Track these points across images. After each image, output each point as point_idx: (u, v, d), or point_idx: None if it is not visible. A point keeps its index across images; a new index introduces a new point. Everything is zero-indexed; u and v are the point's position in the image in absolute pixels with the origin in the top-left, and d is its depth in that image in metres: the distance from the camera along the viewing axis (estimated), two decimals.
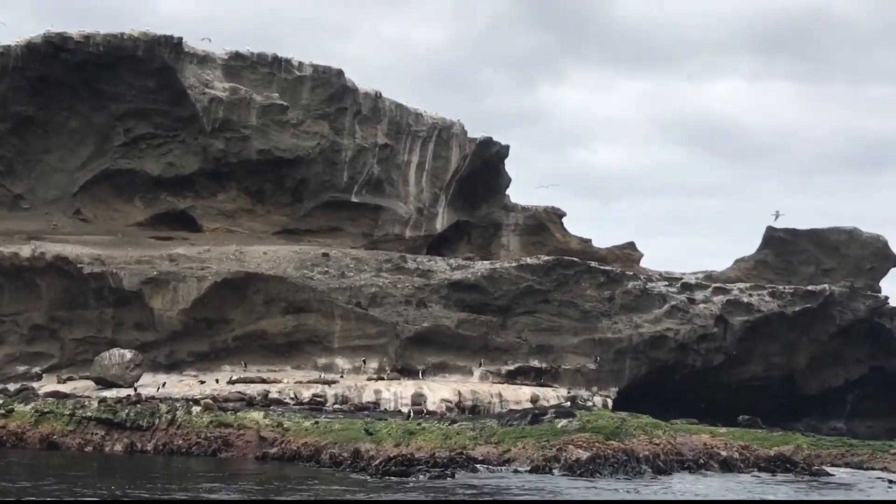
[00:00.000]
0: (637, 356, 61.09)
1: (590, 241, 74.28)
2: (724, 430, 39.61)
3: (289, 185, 67.79)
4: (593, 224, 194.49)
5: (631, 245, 74.64)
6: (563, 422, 37.09)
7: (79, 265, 57.97)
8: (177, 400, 48.69)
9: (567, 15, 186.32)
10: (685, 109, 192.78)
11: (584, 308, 61.67)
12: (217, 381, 54.28)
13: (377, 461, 37.08)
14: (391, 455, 37.06)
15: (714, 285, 66.25)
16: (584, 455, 34.02)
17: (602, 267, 64.71)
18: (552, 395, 55.06)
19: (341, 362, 57.80)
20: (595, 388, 58.76)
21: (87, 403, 47.64)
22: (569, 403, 43.98)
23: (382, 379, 55.38)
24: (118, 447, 44.76)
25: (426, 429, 39.88)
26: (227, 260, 60.04)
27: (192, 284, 57.90)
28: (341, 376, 56.17)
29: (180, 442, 44.44)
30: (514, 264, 62.61)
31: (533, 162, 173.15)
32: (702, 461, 34.92)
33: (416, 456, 36.52)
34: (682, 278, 67.36)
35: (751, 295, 65.42)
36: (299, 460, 40.49)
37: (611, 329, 61.38)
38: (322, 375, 55.76)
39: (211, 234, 65.77)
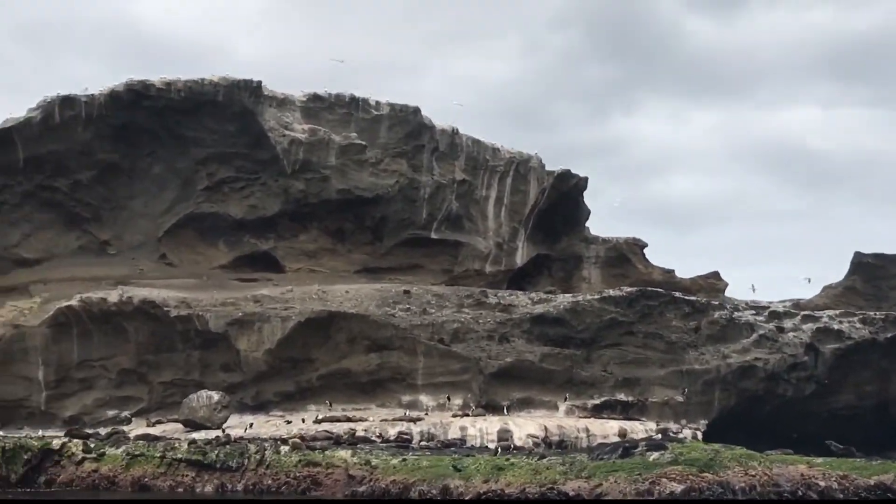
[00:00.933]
0: (726, 387, 60.12)
1: (673, 271, 73.60)
2: (820, 460, 38.50)
3: (368, 224, 68.14)
4: (673, 255, 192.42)
5: (715, 275, 73.66)
6: (655, 454, 36.52)
7: (165, 308, 58.64)
8: (265, 440, 48.90)
9: (638, 45, 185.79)
10: (760, 137, 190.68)
11: (670, 339, 60.94)
12: (303, 420, 54.43)
13: (467, 497, 36.79)
14: (481, 491, 36.75)
15: (803, 313, 65.05)
16: (679, 488, 33.40)
17: (687, 297, 63.94)
18: (640, 429, 54.17)
19: (425, 399, 57.73)
20: (684, 421, 57.71)
21: (176, 445, 48.00)
22: (659, 436, 43.22)
23: (467, 415, 55.09)
24: (209, 488, 45.00)
25: (515, 464, 39.50)
26: (310, 300, 60.35)
27: (276, 325, 58.30)
28: (426, 413, 55.99)
29: (269, 482, 44.58)
30: (596, 296, 62.19)
31: (608, 194, 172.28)
32: (800, 492, 34.03)
33: (506, 492, 36.14)
34: (769, 307, 66.29)
35: (841, 322, 64.10)
36: (388, 498, 40.33)
37: (698, 360, 60.50)
38: (407, 413, 55.69)
39: (294, 274, 66.15)
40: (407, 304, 60.91)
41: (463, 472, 40.03)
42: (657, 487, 33.78)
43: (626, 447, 38.54)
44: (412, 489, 40.30)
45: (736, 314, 63.40)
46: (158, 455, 46.92)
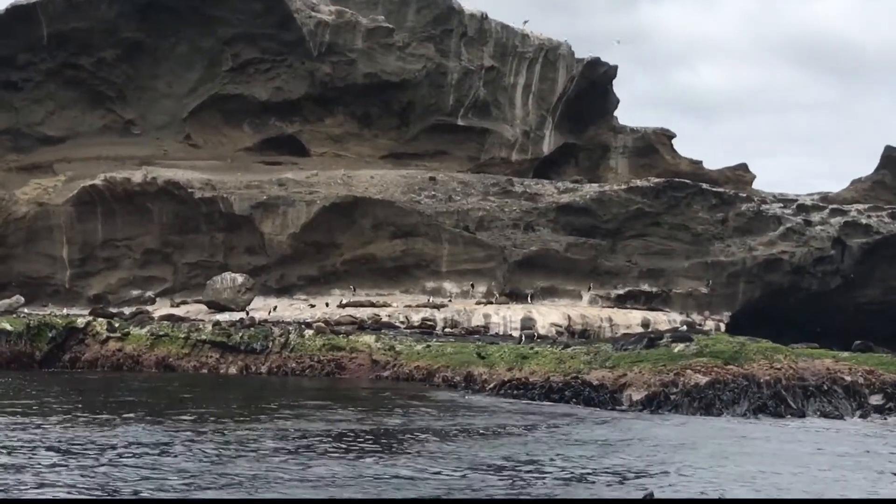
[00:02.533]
0: (751, 280, 60.16)
1: (700, 162, 72.81)
2: (846, 354, 38.19)
3: (395, 109, 67.41)
4: (700, 146, 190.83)
5: (743, 166, 72.87)
6: (681, 346, 36.08)
7: (190, 190, 58.49)
8: (289, 323, 49.10)
9: None
10: (792, 26, 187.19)
11: (696, 231, 60.87)
12: (327, 304, 54.71)
13: (491, 385, 36.81)
14: (505, 379, 36.74)
15: (830, 207, 64.47)
16: (703, 380, 33.15)
17: (714, 189, 63.60)
18: (663, 320, 54.45)
19: (449, 286, 58.06)
20: (707, 313, 58.06)
21: (201, 327, 48.23)
22: (685, 327, 43.07)
23: (491, 303, 55.43)
24: (233, 370, 45.31)
25: (539, 353, 39.40)
26: (335, 184, 60.11)
27: (301, 209, 58.24)
28: (450, 300, 56.30)
29: (294, 365, 44.89)
30: (623, 187, 61.94)
31: (633, 83, 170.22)
32: (825, 387, 33.76)
33: (530, 380, 36.10)
34: (797, 200, 65.73)
35: (869, 216, 63.51)
36: (415, 379, 40.57)
37: (724, 252, 60.49)
38: (430, 299, 55.98)
39: (318, 158, 65.74)
40: (432, 190, 60.75)
41: (487, 359, 40.05)
42: (682, 379, 33.54)
43: (650, 338, 38.18)
44: (436, 375, 40.49)
45: (763, 207, 63.07)
46: (183, 336, 47.18)
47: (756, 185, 72.32)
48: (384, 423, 26.80)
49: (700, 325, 53.31)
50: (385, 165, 65.35)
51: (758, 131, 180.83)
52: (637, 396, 33.17)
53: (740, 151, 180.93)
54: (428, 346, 43.82)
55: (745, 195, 64.40)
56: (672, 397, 32.70)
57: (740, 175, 72.44)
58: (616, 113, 73.91)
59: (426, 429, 25.65)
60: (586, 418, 29.63)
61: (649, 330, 47.27)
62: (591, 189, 62.45)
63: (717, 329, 54.56)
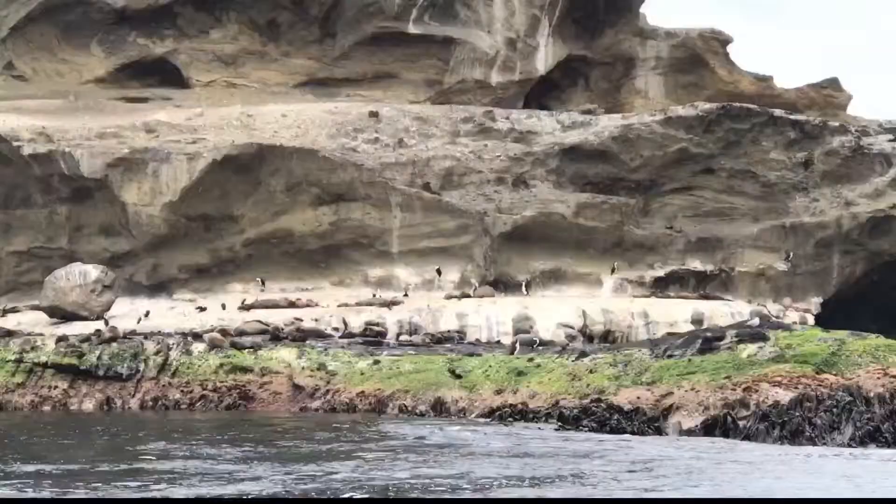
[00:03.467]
0: (850, 248, 60.99)
1: (770, 78, 73.07)
2: None
3: (314, 13, 67.54)
4: (770, 56, 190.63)
5: (833, 83, 72.94)
6: (751, 348, 36.10)
7: (16, 143, 58.09)
8: (168, 335, 48.73)
9: None
10: None
11: (768, 179, 61.48)
12: (224, 306, 54.56)
13: (473, 415, 36.59)
14: (493, 406, 36.52)
15: None
16: (786, 396, 33.08)
17: (792, 116, 63.82)
18: (724, 312, 54.70)
19: (405, 274, 58.37)
20: (787, 300, 58.61)
21: (39, 344, 47.68)
22: (756, 321, 42.91)
23: (467, 296, 55.43)
24: (89, 404, 44.92)
25: (542, 366, 39.20)
26: (230, 128, 60.08)
27: (180, 166, 57.93)
28: (405, 295, 56.32)
29: (178, 395, 44.56)
30: (658, 118, 62.08)
31: None
32: None
33: (529, 406, 35.92)
34: None
35: None
36: (350, 411, 40.31)
37: (808, 210, 61.16)
38: (377, 294, 55.92)
39: (204, 89, 65.95)
40: (375, 132, 60.87)
41: (465, 378, 39.82)
42: (754, 396, 33.46)
43: (706, 338, 37.96)
44: (390, 404, 40.10)
45: (865, 141, 63.48)
46: (13, 358, 46.63)
47: (852, 111, 72.56)
48: (321, 485, 26.43)
49: (778, 317, 53.34)
50: (303, 97, 65.63)
51: (853, 36, 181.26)
52: (689, 423, 33.10)
53: (829, 63, 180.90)
54: (376, 363, 43.42)
55: (837, 125, 64.64)
56: (741, 423, 32.59)
57: (829, 96, 72.50)
58: (644, 9, 74.01)
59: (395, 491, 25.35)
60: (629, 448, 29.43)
61: (704, 327, 47.24)
62: (610, 123, 62.56)
63: (803, 322, 54.68)
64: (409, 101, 66.17)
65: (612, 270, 58.69)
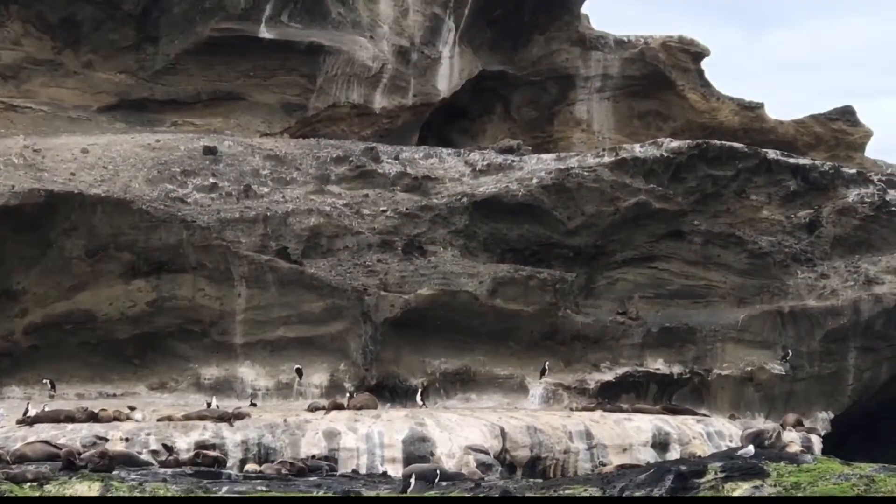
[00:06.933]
0: (871, 344, 61.16)
1: (760, 106, 73.79)
2: None
3: (128, 8, 67.85)
4: (756, 76, 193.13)
5: (846, 113, 73.66)
6: (744, 487, 35.92)
7: None
8: None
9: None
10: None
11: (759, 247, 61.77)
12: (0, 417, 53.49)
13: None
14: None
15: None
16: None
17: (792, 160, 64.23)
18: (697, 433, 54.52)
19: (251, 375, 58.61)
20: (788, 416, 57.90)
21: None
22: (750, 449, 42.69)
23: (340, 407, 54.93)
24: None
25: None
26: (9, 168, 59.71)
27: None
28: (252, 404, 56.25)
29: None
30: (607, 159, 62.24)
31: None
32: None
33: None
34: None
35: None
36: None
37: (815, 290, 61.38)
38: (214, 404, 55.37)
39: None
40: (211, 175, 61.13)
41: None
42: None
43: (679, 473, 38.02)
44: None
45: (892, 194, 63.81)
46: None
47: (874, 152, 73.31)
48: None
49: (771, 438, 52.94)
50: (111, 125, 66.01)
51: (869, 41, 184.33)
52: None
53: (837, 87, 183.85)
54: None
55: (853, 171, 64.93)
56: None
57: (841, 132, 73.34)
58: (587, 8, 74.98)
59: None
60: None
61: (674, 458, 47.40)
62: (540, 166, 62.97)
63: (806, 446, 54.57)
64: (260, 134, 66.61)
65: (543, 373, 58.50)
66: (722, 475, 37.56)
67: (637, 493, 37.63)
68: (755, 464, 39.06)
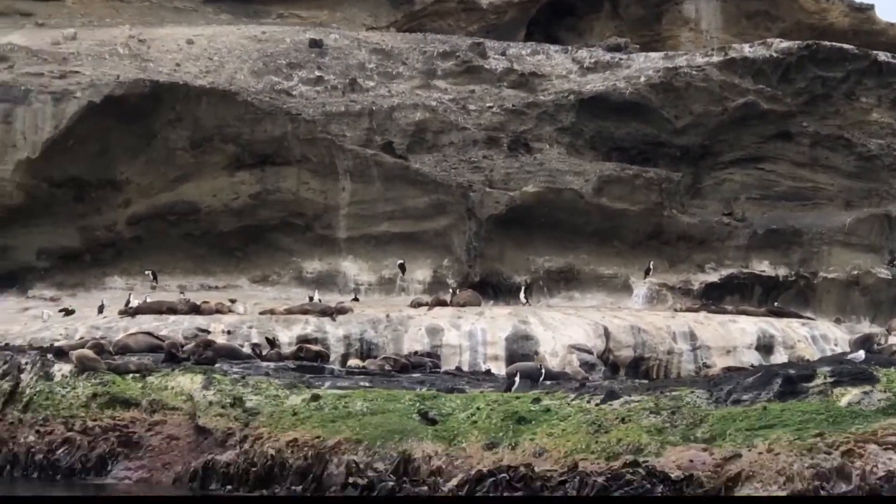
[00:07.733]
0: None
1: (871, 7, 73.28)
2: None
3: None
4: None
5: None
6: (853, 393, 35.61)
7: None
8: (19, 350, 47.94)
9: None
10: None
11: (868, 150, 61.62)
12: (101, 309, 54.11)
13: (453, 483, 35.57)
14: (483, 469, 35.81)
15: None
16: None
17: None
18: (802, 336, 54.21)
19: (354, 270, 58.88)
20: (894, 322, 57.37)
21: None
22: (861, 354, 42.24)
23: (443, 304, 55.02)
24: None
25: (552, 410, 38.44)
26: (114, 58, 59.88)
27: (42, 111, 57.58)
28: (355, 299, 56.37)
29: (31, 438, 43.70)
30: (715, 59, 62.07)
31: None
32: None
33: (535, 471, 35.12)
34: None
35: None
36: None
37: None
38: (316, 298, 55.50)
39: (78, 3, 66.26)
40: (317, 68, 61.20)
41: (440, 426, 39.12)
42: (858, 463, 32.90)
43: (788, 377, 37.55)
44: (333, 459, 39.26)
45: None
46: None
47: None
48: None
49: (880, 343, 52.61)
50: (216, 17, 66.42)
51: None
52: None
53: None
54: (315, 399, 42.54)
55: None
56: None
57: None
58: None
59: None
60: None
61: (781, 361, 46.82)
62: (647, 64, 62.85)
63: None
64: (366, 27, 66.73)
65: (647, 273, 58.80)
66: (831, 380, 37.10)
67: (744, 397, 37.18)
68: (864, 369, 38.54)
